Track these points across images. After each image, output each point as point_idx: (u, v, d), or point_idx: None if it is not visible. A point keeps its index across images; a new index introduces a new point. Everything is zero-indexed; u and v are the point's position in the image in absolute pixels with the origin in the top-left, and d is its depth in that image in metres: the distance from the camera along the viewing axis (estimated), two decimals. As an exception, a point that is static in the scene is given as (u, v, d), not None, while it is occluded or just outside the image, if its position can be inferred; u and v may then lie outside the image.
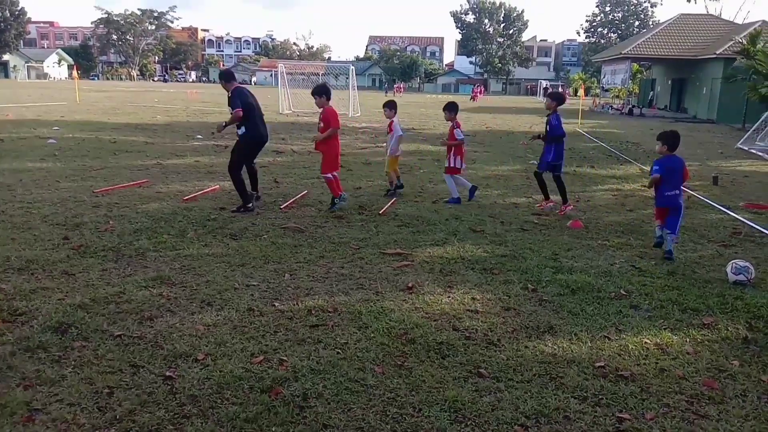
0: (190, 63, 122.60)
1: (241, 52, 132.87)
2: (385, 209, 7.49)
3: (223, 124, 7.35)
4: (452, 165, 8.15)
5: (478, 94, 58.26)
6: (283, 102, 28.61)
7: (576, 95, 61.93)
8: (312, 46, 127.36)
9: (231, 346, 3.67)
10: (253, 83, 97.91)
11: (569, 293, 4.78)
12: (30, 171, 9.49)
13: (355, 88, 29.51)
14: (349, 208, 7.55)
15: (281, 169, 10.85)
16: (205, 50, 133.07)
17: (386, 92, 69.30)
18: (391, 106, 8.73)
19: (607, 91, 54.18)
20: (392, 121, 8.68)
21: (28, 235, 5.92)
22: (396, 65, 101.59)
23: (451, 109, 8.21)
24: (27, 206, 7.12)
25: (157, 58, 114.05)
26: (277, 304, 4.37)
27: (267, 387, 3.21)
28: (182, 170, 10.17)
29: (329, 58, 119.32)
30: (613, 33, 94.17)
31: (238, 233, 6.26)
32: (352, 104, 27.98)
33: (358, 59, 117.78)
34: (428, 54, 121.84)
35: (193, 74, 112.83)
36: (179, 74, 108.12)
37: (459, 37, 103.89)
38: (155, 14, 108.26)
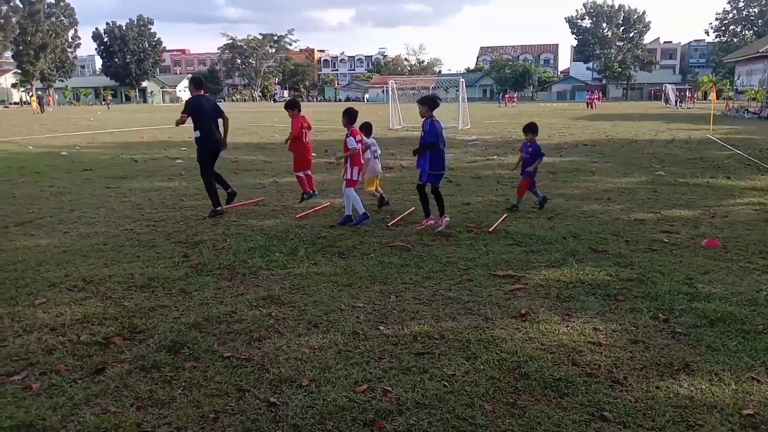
0: (307, 83, 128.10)
1: (354, 70, 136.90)
2: (496, 226, 7.17)
3: (176, 121, 8.12)
4: (350, 177, 7.42)
5: (595, 101, 55.68)
6: (394, 117, 28.89)
7: (706, 99, 57.22)
8: (423, 61, 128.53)
9: (335, 372, 3.57)
10: (365, 100, 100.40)
11: (707, 325, 4.23)
12: (158, 190, 10.16)
13: (465, 100, 29.17)
14: (458, 225, 7.31)
15: (390, 184, 10.80)
16: (321, 70, 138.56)
17: (500, 103, 68.16)
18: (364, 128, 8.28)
19: (741, 93, 49.64)
20: (363, 143, 7.88)
21: (152, 252, 6.26)
22: (508, 75, 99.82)
23: (347, 115, 7.64)
24: (153, 224, 7.58)
25: (277, 79, 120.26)
26: (382, 328, 4.23)
27: (370, 420, 3.07)
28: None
29: (439, 72, 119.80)
30: (748, 30, 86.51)
31: (346, 252, 6.23)
32: (462, 117, 27.66)
33: (468, 71, 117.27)
34: (542, 62, 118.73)
35: (286, 93, 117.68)
36: (275, 94, 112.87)
37: (575, 42, 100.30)
38: (275, 38, 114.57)
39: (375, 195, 8.57)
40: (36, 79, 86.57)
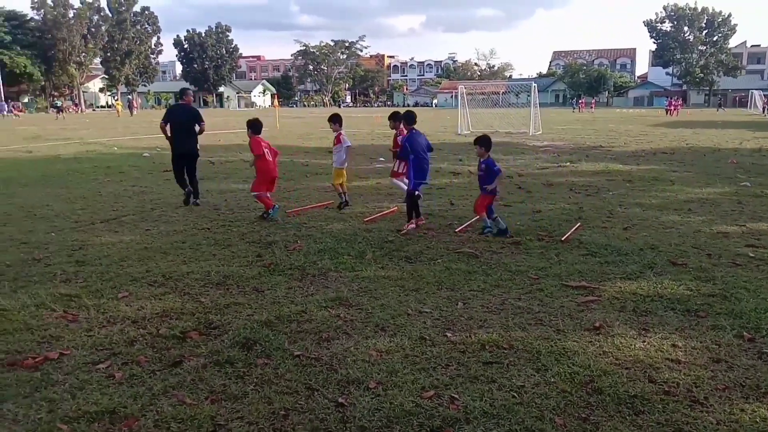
0: (376, 88, 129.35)
1: (423, 75, 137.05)
2: (569, 235, 6.98)
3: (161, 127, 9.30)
4: (396, 170, 8.48)
5: (676, 107, 53.31)
6: (462, 123, 28.71)
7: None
8: (493, 66, 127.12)
9: (402, 377, 3.57)
10: (434, 105, 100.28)
11: (799, 346, 3.95)
12: (233, 192, 10.51)
13: (537, 105, 28.63)
14: (528, 233, 7.17)
15: (457, 190, 10.75)
16: (390, 76, 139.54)
17: (573, 109, 66.45)
18: (335, 120, 8.88)
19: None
20: (340, 133, 8.84)
21: (227, 251, 6.48)
22: (582, 80, 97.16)
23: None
24: (228, 224, 7.85)
25: (347, 85, 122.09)
26: (449, 335, 4.21)
27: (437, 427, 3.05)
28: (364, 192, 10.55)
29: (510, 77, 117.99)
30: None
31: (413, 256, 6.24)
32: (534, 122, 27.15)
33: (540, 76, 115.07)
34: (618, 66, 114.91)
35: (348, 98, 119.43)
36: (340, 100, 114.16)
37: (653, 47, 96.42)
38: (346, 44, 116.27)
39: (341, 193, 8.93)
40: (121, 84, 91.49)
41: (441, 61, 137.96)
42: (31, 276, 5.56)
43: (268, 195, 8.27)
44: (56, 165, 15.15)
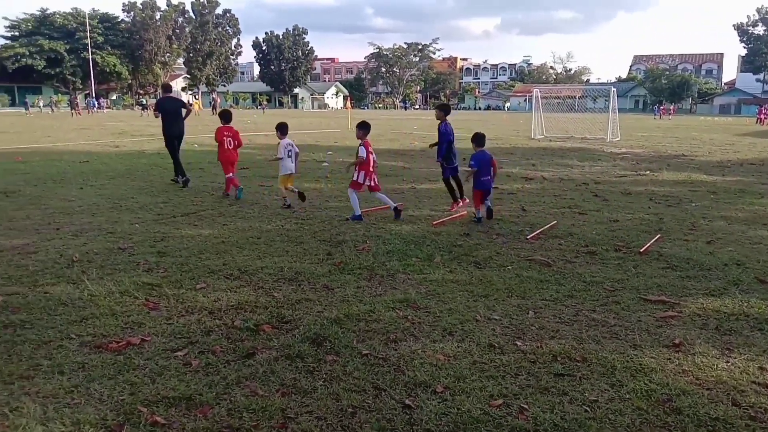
0: (447, 91, 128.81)
1: (496, 78, 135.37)
2: (647, 247, 6.70)
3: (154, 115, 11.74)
4: (355, 179, 8.21)
5: (767, 116, 50.17)
6: (536, 127, 28.13)
7: None
8: (570, 69, 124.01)
9: (470, 383, 3.54)
10: (506, 109, 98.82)
11: None
12: (305, 191, 10.71)
13: (616, 110, 27.65)
14: (604, 243, 6.95)
15: (529, 196, 10.54)
16: (462, 78, 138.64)
17: (654, 115, 63.87)
18: (282, 130, 9.22)
19: None
20: (283, 142, 9.15)
21: (299, 249, 6.62)
22: (663, 85, 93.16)
23: (361, 127, 8.37)
24: (301, 222, 8.02)
25: (418, 87, 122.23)
26: (519, 344, 4.13)
27: (505, 436, 3.00)
28: (434, 195, 10.52)
29: (587, 81, 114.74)
30: None
31: (482, 262, 6.16)
32: (611, 128, 26.24)
33: (619, 80, 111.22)
34: (703, 72, 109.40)
35: (419, 100, 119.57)
36: (406, 104, 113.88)
37: (743, 52, 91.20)
38: (419, 47, 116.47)
39: (294, 191, 9.31)
40: (202, 84, 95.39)
41: (515, 64, 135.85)
42: (116, 264, 5.88)
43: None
44: (141, 160, 15.96)
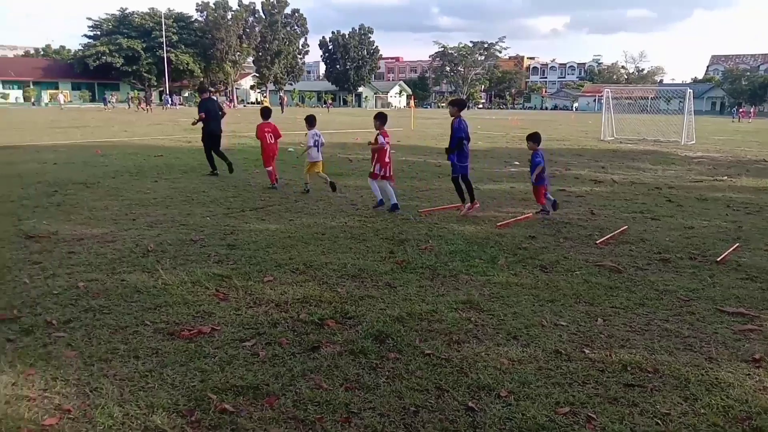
0: (513, 90, 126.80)
1: (564, 78, 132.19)
2: (725, 256, 6.37)
3: (193, 120, 12.61)
4: (373, 171, 8.68)
5: None
6: (606, 128, 27.27)
7: None
8: (642, 69, 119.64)
9: (535, 389, 3.47)
10: (574, 109, 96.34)
11: None
12: (369, 189, 10.77)
13: (692, 112, 26.45)
14: (678, 250, 6.66)
15: (599, 199, 10.23)
16: (528, 78, 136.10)
17: (733, 118, 60.75)
18: (310, 122, 10.08)
19: None
20: (311, 132, 9.96)
21: (362, 246, 6.68)
22: (744, 87, 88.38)
23: (379, 118, 8.83)
24: (364, 220, 8.09)
25: (483, 86, 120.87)
26: (587, 351, 4.01)
27: (571, 445, 2.93)
28: (497, 195, 10.39)
29: (661, 81, 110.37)
30: None
31: (548, 266, 6.03)
32: (686, 131, 25.13)
33: (695, 81, 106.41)
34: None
35: (484, 99, 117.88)
36: (473, 102, 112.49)
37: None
38: (485, 45, 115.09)
39: (326, 180, 10.03)
40: (270, 82, 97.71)
41: (584, 64, 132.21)
42: (188, 255, 6.11)
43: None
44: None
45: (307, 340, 4.08)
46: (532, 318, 4.59)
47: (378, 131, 8.72)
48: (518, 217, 8.37)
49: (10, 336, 4.05)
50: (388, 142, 8.71)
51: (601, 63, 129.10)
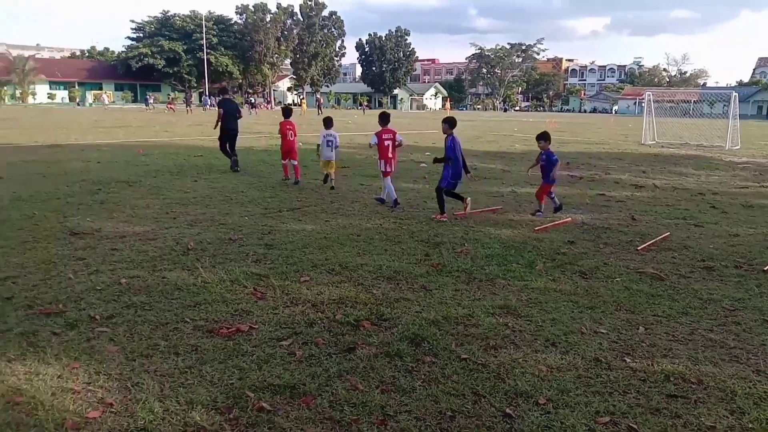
0: (551, 93, 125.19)
1: (604, 80, 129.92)
2: (773, 266, 6.15)
3: (216, 122, 13.37)
4: (381, 168, 9.28)
5: None
6: (647, 132, 26.67)
7: None
8: (685, 72, 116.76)
9: (574, 397, 3.40)
10: (614, 112, 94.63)
11: None
12: (403, 191, 10.77)
13: (737, 116, 25.66)
14: (723, 258, 6.46)
15: (640, 205, 10.00)
16: (567, 80, 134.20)
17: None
18: (326, 124, 10.95)
19: None
20: (323, 132, 10.86)
21: (398, 248, 6.67)
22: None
23: (382, 119, 9.33)
24: (399, 222, 8.08)
25: (520, 89, 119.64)
26: (628, 360, 3.92)
27: (612, 456, 2.86)
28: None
29: (704, 84, 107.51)
30: None
31: (587, 272, 5.92)
32: (731, 135, 24.40)
33: (741, 84, 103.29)
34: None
35: (521, 102, 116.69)
36: (510, 104, 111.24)
37: None
38: (523, 47, 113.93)
39: (330, 179, 10.86)
40: (306, 84, 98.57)
41: (625, 66, 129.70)
42: (227, 254, 6.20)
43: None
44: (249, 156, 16.68)
45: (343, 341, 4.09)
46: (571, 325, 4.51)
47: (379, 129, 9.23)
48: (556, 222, 8.24)
49: (55, 330, 4.17)
50: (385, 139, 9.13)
51: (642, 65, 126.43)
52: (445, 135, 8.53)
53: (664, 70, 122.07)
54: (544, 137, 8.89)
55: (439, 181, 8.56)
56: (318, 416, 3.15)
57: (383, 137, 9.11)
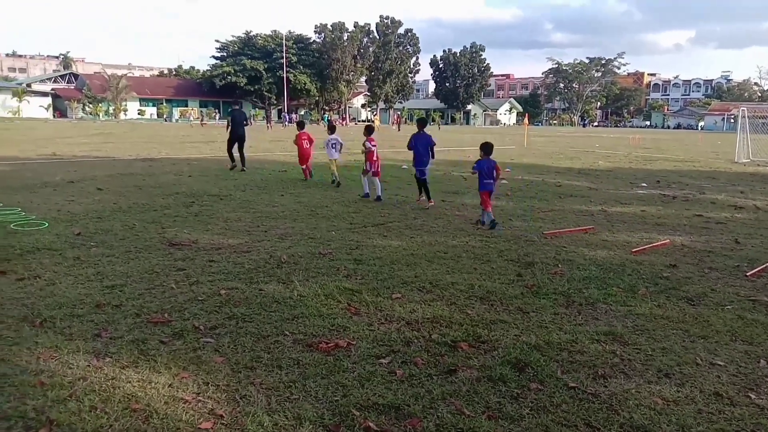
0: (631, 108, 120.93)
1: (689, 95, 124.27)
2: None
3: (226, 127, 16.66)
4: (365, 168, 11.41)
5: None
6: (741, 149, 25.17)
7: None
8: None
9: (697, 435, 3.17)
10: (699, 128, 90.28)
11: None
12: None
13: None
14: None
15: (743, 228, 9.38)
16: (649, 95, 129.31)
17: None
18: (330, 130, 14.26)
19: None
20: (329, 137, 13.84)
21: (487, 267, 6.53)
22: None
23: (368, 129, 11.58)
24: (485, 239, 7.93)
25: (599, 104, 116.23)
26: (752, 396, 3.63)
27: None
28: (628, 219, 9.82)
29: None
30: None
31: (695, 298, 5.57)
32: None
33: None
34: None
35: (600, 117, 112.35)
36: (588, 120, 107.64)
37: None
38: (603, 62, 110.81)
39: (334, 178, 13.41)
40: (380, 101, 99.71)
41: (711, 80, 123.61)
42: (319, 268, 6.26)
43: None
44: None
45: (443, 362, 4.01)
46: (683, 355, 4.24)
47: (365, 138, 11.27)
48: (654, 243, 7.83)
49: (163, 338, 4.32)
50: (374, 146, 11.30)
51: (731, 80, 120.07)
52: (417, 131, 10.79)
53: (756, 84, 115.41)
54: (482, 148, 9.07)
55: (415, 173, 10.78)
56: (426, 440, 3.08)
57: (373, 143, 11.32)
